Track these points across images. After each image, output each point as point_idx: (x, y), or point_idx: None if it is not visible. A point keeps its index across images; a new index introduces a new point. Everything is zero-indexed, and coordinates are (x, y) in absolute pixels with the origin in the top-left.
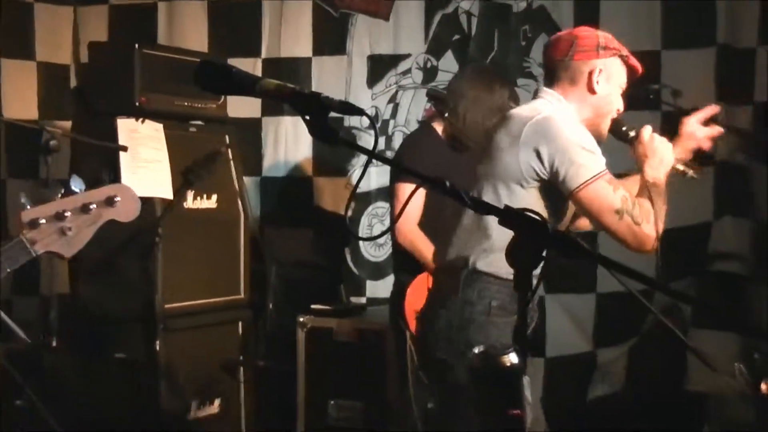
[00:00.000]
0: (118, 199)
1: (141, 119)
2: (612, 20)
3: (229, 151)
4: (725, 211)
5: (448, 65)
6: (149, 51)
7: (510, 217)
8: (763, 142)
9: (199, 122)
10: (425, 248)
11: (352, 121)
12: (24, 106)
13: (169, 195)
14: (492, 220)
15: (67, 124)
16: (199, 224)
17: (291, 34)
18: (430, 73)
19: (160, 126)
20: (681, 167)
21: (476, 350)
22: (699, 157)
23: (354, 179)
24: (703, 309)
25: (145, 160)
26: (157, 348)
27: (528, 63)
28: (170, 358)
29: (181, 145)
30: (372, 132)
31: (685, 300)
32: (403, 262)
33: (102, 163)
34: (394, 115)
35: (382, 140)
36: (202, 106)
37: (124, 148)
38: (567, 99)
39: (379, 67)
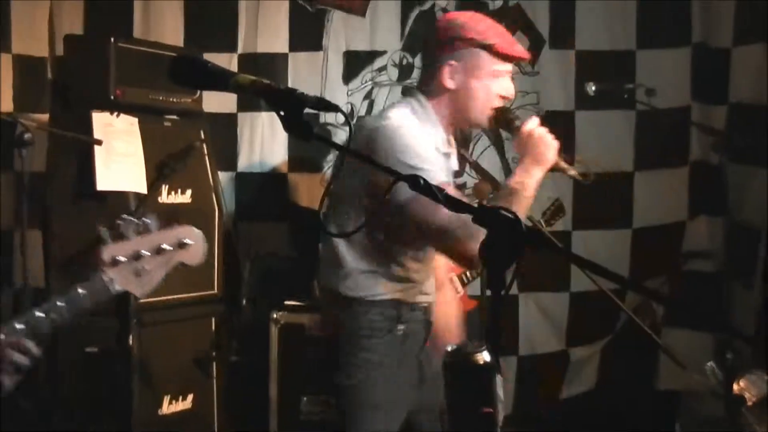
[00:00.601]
0: (189, 242)
1: (116, 113)
2: (587, 19)
3: (204, 145)
4: (700, 210)
5: None
6: (125, 45)
7: (483, 214)
8: (737, 142)
9: (175, 116)
10: None
11: (327, 117)
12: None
13: (143, 189)
14: (342, 246)
15: (44, 116)
16: (174, 219)
17: (267, 30)
18: (405, 70)
19: (135, 120)
20: (564, 165)
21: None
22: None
23: (328, 175)
24: (675, 307)
25: (120, 154)
26: (130, 342)
27: None
28: (143, 352)
29: (156, 139)
30: (346, 129)
31: (656, 298)
32: None
33: (77, 157)
34: (369, 111)
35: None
36: (177, 101)
37: (99, 142)
38: (429, 95)
39: (355, 63)
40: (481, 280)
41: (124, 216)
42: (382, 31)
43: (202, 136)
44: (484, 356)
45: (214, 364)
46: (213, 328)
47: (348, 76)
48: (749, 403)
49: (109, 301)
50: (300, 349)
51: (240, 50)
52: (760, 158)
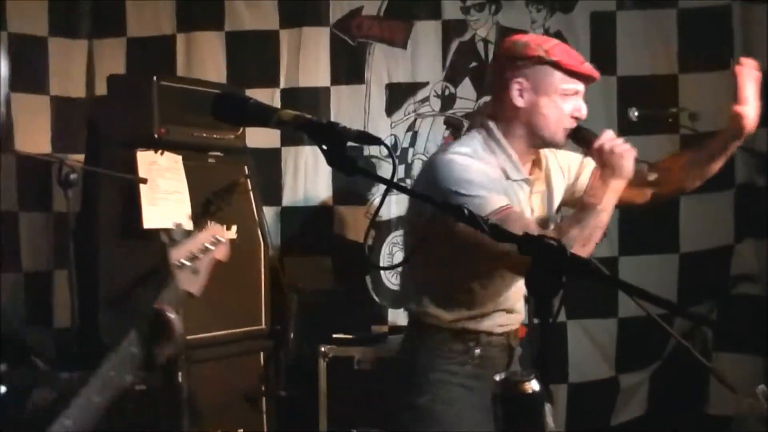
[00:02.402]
0: (222, 239)
1: (160, 151)
2: (628, 44)
3: (248, 181)
4: (746, 233)
5: (466, 92)
6: (167, 83)
7: (528, 243)
8: None
9: (218, 153)
10: None
11: (371, 149)
12: (37, 139)
13: (189, 226)
14: (416, 272)
15: (79, 157)
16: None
17: (309, 64)
18: (448, 101)
19: (179, 157)
20: (644, 172)
21: (497, 377)
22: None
23: (374, 208)
24: (723, 332)
25: (165, 192)
26: (179, 379)
27: None
28: (192, 389)
29: (201, 176)
30: (390, 161)
31: (704, 322)
32: None
33: (119, 195)
34: (413, 143)
35: (401, 168)
36: (220, 137)
37: (144, 180)
38: (499, 121)
39: (398, 95)
40: (528, 308)
41: (176, 222)
42: (424, 62)
43: (247, 171)
44: (533, 385)
45: (264, 399)
46: (261, 363)
47: (390, 108)
48: None
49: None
50: (349, 383)
51: (282, 85)
52: None
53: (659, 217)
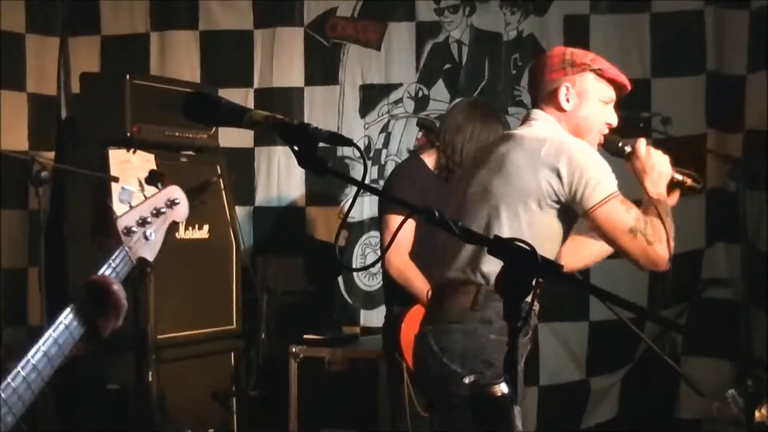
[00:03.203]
0: (178, 200)
1: (132, 149)
2: (601, 49)
3: (221, 180)
4: (717, 237)
5: (440, 94)
6: (141, 81)
7: (499, 246)
8: (753, 169)
9: (191, 152)
10: (416, 279)
11: (345, 150)
12: (15, 137)
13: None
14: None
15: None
16: (191, 254)
17: (283, 64)
18: (421, 102)
19: (151, 156)
20: (679, 176)
21: (467, 380)
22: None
23: (346, 209)
24: (692, 337)
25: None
26: (150, 378)
27: (518, 91)
28: (163, 388)
29: (173, 176)
30: (362, 162)
31: (674, 328)
32: (395, 293)
33: (90, 194)
34: (386, 144)
35: (374, 170)
36: (193, 136)
37: (116, 179)
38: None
39: (371, 96)
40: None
41: (123, 186)
42: (398, 64)
43: (219, 171)
44: (502, 388)
45: (234, 398)
46: (232, 362)
47: (364, 109)
48: None
49: (127, 275)
50: (320, 383)
51: (256, 85)
52: None
53: None
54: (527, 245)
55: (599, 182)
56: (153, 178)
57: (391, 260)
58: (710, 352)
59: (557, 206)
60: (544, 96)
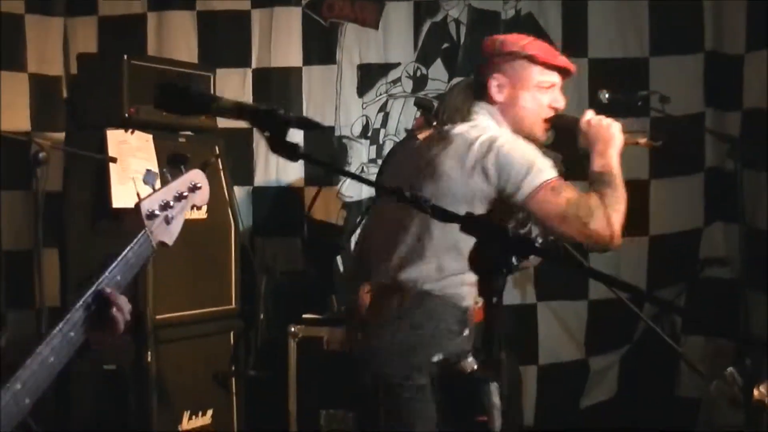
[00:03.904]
0: (199, 185)
1: (130, 130)
2: (600, 27)
3: (219, 161)
4: (715, 217)
5: (438, 73)
6: (138, 62)
7: (471, 223)
8: (751, 148)
9: (189, 132)
10: None
11: (343, 130)
12: (16, 118)
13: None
14: (438, 243)
15: (60, 135)
16: (190, 235)
17: (281, 44)
18: (420, 82)
19: (149, 137)
20: (633, 140)
21: (435, 359)
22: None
23: (344, 189)
24: (690, 317)
25: (135, 171)
26: (148, 359)
27: None
28: (161, 369)
29: (167, 155)
30: (362, 141)
31: (671, 309)
32: None
33: (93, 175)
34: (384, 123)
35: (372, 149)
36: (191, 117)
37: (114, 160)
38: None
39: (369, 76)
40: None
41: (148, 168)
42: (396, 43)
43: (217, 151)
44: (471, 364)
45: (233, 379)
46: (231, 343)
47: (362, 88)
48: None
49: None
50: (318, 363)
51: (254, 65)
52: None
53: (629, 200)
54: (497, 223)
55: (526, 176)
56: (177, 161)
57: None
58: (709, 331)
59: (490, 206)
60: (479, 89)
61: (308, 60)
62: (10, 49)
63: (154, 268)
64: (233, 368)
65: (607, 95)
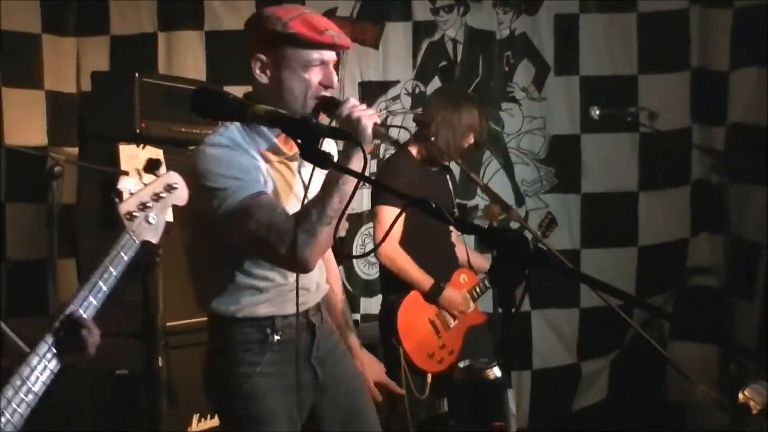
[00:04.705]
0: (176, 185)
1: (141, 144)
2: (590, 47)
3: None
4: (702, 228)
5: None
6: (149, 79)
7: (490, 236)
8: (736, 162)
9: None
10: (407, 266)
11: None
12: (31, 133)
13: (169, 217)
14: (203, 262)
15: (74, 149)
16: None
17: None
18: (418, 99)
19: (159, 151)
20: (382, 131)
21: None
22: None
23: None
24: (677, 323)
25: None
26: (159, 364)
27: (511, 87)
28: (171, 373)
29: (180, 168)
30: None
31: (660, 314)
32: (391, 282)
33: (104, 188)
34: None
35: (374, 163)
36: (199, 132)
37: (126, 173)
38: (252, 97)
39: (370, 93)
40: (492, 298)
41: (123, 174)
42: (395, 61)
43: None
44: (495, 372)
45: None
46: None
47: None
48: (754, 412)
49: (135, 258)
50: None
51: None
52: (759, 177)
53: (619, 212)
54: (519, 235)
55: (207, 200)
56: (151, 166)
57: (382, 249)
58: (695, 337)
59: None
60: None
61: None
62: (28, 67)
63: (164, 275)
64: None
65: (597, 111)
